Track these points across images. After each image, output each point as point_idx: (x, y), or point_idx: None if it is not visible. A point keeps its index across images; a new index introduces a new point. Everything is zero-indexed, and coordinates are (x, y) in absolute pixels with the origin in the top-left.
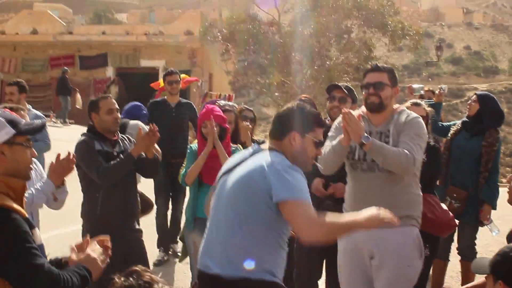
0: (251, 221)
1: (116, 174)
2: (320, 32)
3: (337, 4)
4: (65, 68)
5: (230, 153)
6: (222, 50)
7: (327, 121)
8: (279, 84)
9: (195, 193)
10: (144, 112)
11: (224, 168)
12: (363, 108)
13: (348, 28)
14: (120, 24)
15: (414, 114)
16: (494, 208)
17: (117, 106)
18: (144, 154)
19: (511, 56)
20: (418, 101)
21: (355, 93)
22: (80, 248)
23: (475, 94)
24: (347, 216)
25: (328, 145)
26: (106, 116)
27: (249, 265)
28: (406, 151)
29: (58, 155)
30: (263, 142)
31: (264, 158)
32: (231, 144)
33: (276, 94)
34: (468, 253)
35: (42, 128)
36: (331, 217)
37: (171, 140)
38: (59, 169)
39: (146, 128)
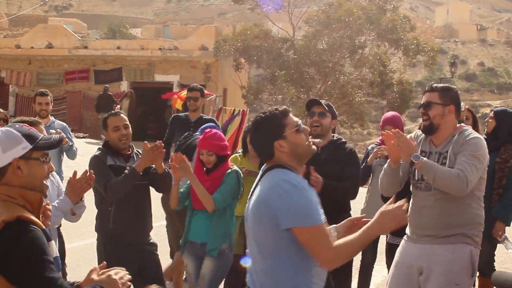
0: (269, 248)
1: (121, 189)
2: (333, 48)
3: (349, 19)
4: (107, 85)
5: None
6: (236, 65)
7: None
8: (293, 99)
9: (189, 218)
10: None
11: (251, 191)
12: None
13: (362, 44)
14: (134, 39)
15: (474, 134)
16: (508, 225)
17: (126, 122)
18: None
19: None
20: None
21: (334, 109)
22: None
23: (492, 110)
24: (358, 231)
25: (383, 167)
26: (112, 133)
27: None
28: (458, 171)
29: (75, 173)
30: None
31: (268, 180)
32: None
33: (290, 109)
34: (487, 269)
35: (59, 143)
36: (342, 239)
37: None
38: (77, 187)
39: None
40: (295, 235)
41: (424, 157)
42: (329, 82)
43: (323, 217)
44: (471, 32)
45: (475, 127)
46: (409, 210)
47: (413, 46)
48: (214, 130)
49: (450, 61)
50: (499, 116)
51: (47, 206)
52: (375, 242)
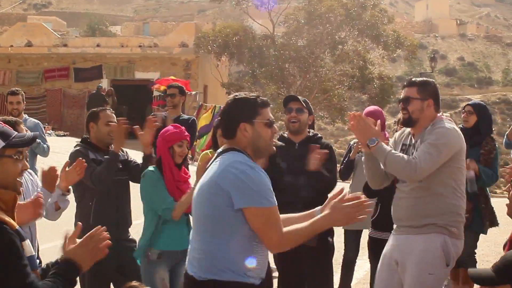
0: (217, 227)
1: (107, 174)
2: (313, 44)
3: (330, 16)
4: (100, 85)
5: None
6: (216, 62)
7: (285, 134)
8: (274, 95)
9: (157, 226)
10: None
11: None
12: None
13: (342, 39)
14: (114, 37)
15: (443, 124)
16: (478, 175)
17: (115, 120)
18: (137, 162)
19: (504, 66)
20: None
21: (310, 105)
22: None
23: (469, 105)
24: (309, 221)
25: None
26: (104, 127)
27: (251, 263)
28: (411, 158)
29: (67, 162)
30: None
31: (223, 162)
32: None
33: (271, 105)
34: (469, 262)
35: (33, 141)
36: (293, 226)
37: None
38: (49, 179)
39: None
40: (247, 215)
41: (404, 149)
42: (309, 78)
43: (275, 200)
44: (450, 27)
45: (484, 123)
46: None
47: (392, 41)
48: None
49: (430, 56)
50: (479, 110)
51: (40, 195)
52: (358, 236)
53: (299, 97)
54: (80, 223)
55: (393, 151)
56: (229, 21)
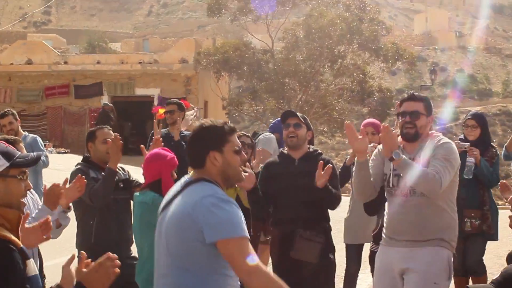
0: (187, 263)
1: (105, 191)
2: (313, 58)
3: (330, 30)
4: (106, 102)
5: None
6: (216, 78)
7: (285, 151)
8: (274, 110)
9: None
10: None
11: (163, 202)
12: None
13: (342, 53)
14: (114, 53)
15: (445, 139)
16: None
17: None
18: (139, 181)
19: (504, 78)
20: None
21: (308, 121)
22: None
23: (471, 119)
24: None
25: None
26: (100, 146)
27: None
28: (434, 172)
29: (66, 179)
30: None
31: (193, 193)
32: None
33: (271, 120)
34: (479, 268)
35: (37, 161)
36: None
37: None
38: (52, 196)
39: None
40: (219, 248)
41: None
42: (309, 92)
43: (247, 232)
44: (450, 39)
45: (487, 133)
46: (385, 216)
47: (391, 54)
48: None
49: (430, 68)
50: (482, 122)
51: (48, 218)
52: (359, 250)
53: (297, 113)
54: (84, 252)
55: (416, 164)
56: (228, 37)
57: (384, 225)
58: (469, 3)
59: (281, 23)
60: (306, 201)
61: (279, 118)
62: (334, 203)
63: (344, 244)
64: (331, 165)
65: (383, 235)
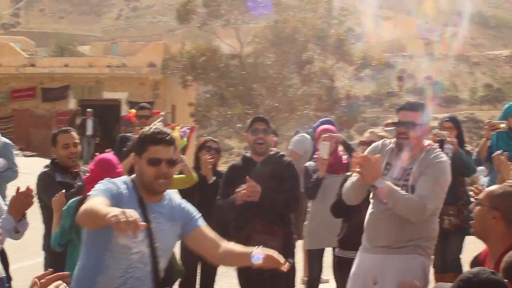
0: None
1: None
2: (281, 63)
3: (296, 36)
4: (89, 109)
5: None
6: (184, 82)
7: (247, 154)
8: (241, 115)
9: None
10: None
11: None
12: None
13: (309, 58)
14: (82, 57)
15: (440, 156)
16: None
17: (76, 140)
18: None
19: (471, 85)
20: (373, 129)
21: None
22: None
23: (448, 120)
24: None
25: (350, 179)
26: (61, 151)
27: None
28: (419, 200)
29: (18, 189)
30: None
31: None
32: None
33: (238, 125)
34: (456, 266)
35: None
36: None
37: None
38: (18, 205)
39: None
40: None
41: (388, 169)
42: (277, 98)
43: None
44: (418, 46)
45: (460, 137)
46: (366, 220)
47: (360, 61)
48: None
49: (398, 75)
50: (457, 124)
51: None
52: (320, 255)
53: (263, 118)
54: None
55: (401, 191)
56: (197, 41)
57: (364, 230)
58: (438, 11)
59: (251, 28)
60: (263, 205)
61: (324, 119)
62: (287, 207)
63: (302, 250)
64: (288, 169)
65: (362, 239)
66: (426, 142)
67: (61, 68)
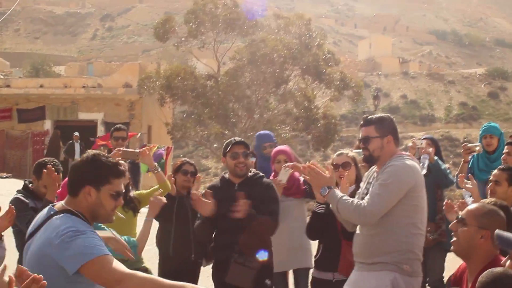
0: None
1: None
2: (258, 83)
3: (273, 56)
4: (76, 133)
5: None
6: (161, 102)
7: (226, 175)
8: (218, 135)
9: None
10: None
11: (29, 231)
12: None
13: (286, 79)
14: (58, 77)
15: (396, 161)
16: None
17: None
18: None
19: (447, 104)
20: (342, 151)
21: (249, 147)
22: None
23: (425, 139)
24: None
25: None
26: (43, 189)
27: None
28: (360, 203)
29: None
30: (202, 195)
31: (51, 228)
32: None
33: (215, 145)
34: (440, 286)
35: None
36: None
37: None
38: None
39: None
40: (85, 274)
41: (368, 187)
42: (254, 117)
43: (106, 250)
44: (393, 65)
45: (438, 155)
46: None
47: (338, 82)
48: None
49: (373, 94)
50: (435, 143)
51: None
52: (284, 277)
53: (242, 140)
54: (6, 264)
55: (344, 197)
56: (173, 61)
57: None
58: (413, 30)
59: (228, 48)
60: (244, 226)
61: (262, 132)
62: (267, 230)
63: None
64: (268, 190)
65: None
66: (398, 153)
67: (37, 89)
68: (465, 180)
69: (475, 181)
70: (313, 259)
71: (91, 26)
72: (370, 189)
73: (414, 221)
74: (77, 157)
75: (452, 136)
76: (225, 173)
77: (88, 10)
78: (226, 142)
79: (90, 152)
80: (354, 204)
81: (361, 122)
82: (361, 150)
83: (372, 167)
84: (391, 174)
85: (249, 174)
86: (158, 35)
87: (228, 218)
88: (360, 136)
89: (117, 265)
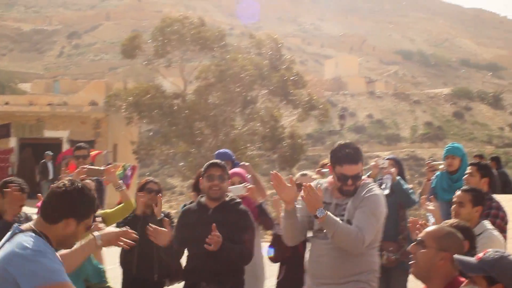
0: None
1: None
2: (225, 102)
3: (242, 75)
4: (48, 152)
5: None
6: (126, 121)
7: (202, 199)
8: (184, 154)
9: None
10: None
11: None
12: (329, 178)
13: (253, 98)
14: (24, 94)
15: (374, 190)
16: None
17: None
18: None
19: (412, 123)
20: (306, 171)
21: (227, 170)
22: None
23: (389, 159)
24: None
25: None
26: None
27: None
28: (357, 230)
29: None
30: (168, 213)
31: (13, 245)
32: None
33: (181, 164)
34: None
35: None
36: None
37: None
38: None
39: None
40: None
41: (324, 208)
42: (220, 137)
43: (66, 276)
44: (360, 85)
45: (401, 176)
46: (307, 258)
47: (305, 103)
48: None
49: (339, 113)
50: (398, 163)
51: None
52: None
53: (219, 161)
54: None
55: (342, 223)
56: (140, 79)
57: (306, 265)
58: (379, 49)
59: (194, 67)
60: (215, 253)
61: (221, 151)
62: (241, 260)
63: None
64: (244, 218)
65: (306, 278)
66: (363, 179)
67: (2, 106)
68: (427, 202)
69: (437, 203)
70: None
71: (58, 43)
72: (347, 214)
73: (378, 243)
74: (51, 177)
75: (417, 155)
76: (201, 196)
77: (55, 27)
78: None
79: (75, 182)
80: (354, 231)
81: (345, 157)
82: (327, 170)
83: (316, 184)
84: (377, 204)
85: (226, 199)
86: (125, 52)
87: (200, 243)
88: (346, 173)
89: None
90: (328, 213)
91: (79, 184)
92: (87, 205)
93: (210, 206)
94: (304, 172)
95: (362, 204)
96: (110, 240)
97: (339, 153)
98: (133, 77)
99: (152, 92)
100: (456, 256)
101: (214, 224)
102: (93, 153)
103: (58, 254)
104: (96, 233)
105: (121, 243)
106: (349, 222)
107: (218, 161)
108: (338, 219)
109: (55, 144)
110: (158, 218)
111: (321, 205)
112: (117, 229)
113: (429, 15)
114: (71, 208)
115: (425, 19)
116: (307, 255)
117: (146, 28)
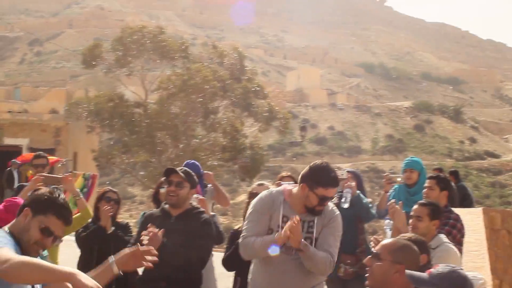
0: None
1: None
2: (186, 112)
3: (204, 86)
4: (14, 160)
5: None
6: (87, 129)
7: (165, 206)
8: (145, 163)
9: None
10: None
11: None
12: (282, 188)
13: (215, 109)
14: None
15: (335, 210)
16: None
17: None
18: None
19: (373, 136)
20: (263, 181)
21: (194, 177)
22: None
23: (348, 172)
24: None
25: (254, 236)
26: None
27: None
28: (330, 257)
29: None
30: (126, 223)
31: None
32: None
33: (141, 173)
34: None
35: None
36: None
37: None
38: None
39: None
40: None
41: (285, 222)
42: (181, 146)
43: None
44: (321, 97)
45: (360, 189)
46: (258, 277)
47: (266, 114)
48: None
49: (300, 125)
50: (357, 176)
51: None
52: None
53: (182, 168)
54: None
55: (318, 252)
56: (101, 88)
57: (259, 284)
58: (341, 62)
59: (156, 76)
60: (174, 261)
61: (189, 162)
62: (195, 265)
63: None
64: (205, 226)
65: None
66: None
67: None
68: (396, 206)
69: (403, 211)
70: None
71: (19, 50)
72: (315, 232)
73: None
74: (15, 186)
75: (378, 168)
76: (165, 203)
77: (16, 34)
78: None
79: (57, 192)
80: (328, 258)
81: (330, 181)
82: (290, 183)
83: (270, 194)
84: (340, 226)
85: (189, 207)
86: (86, 61)
87: (158, 251)
88: (327, 195)
89: (8, 251)
90: (308, 244)
91: (53, 191)
92: (45, 202)
93: (173, 214)
94: (261, 182)
95: (330, 225)
96: (127, 262)
97: (324, 176)
98: (94, 86)
99: (113, 100)
100: (407, 271)
101: (153, 225)
102: (51, 158)
103: None
104: (110, 259)
105: (144, 263)
106: (316, 240)
107: (181, 168)
108: (314, 248)
109: (14, 152)
110: (109, 232)
111: (301, 237)
112: (131, 249)
113: (391, 29)
114: (32, 199)
115: (387, 32)
116: (262, 273)
117: (109, 37)
